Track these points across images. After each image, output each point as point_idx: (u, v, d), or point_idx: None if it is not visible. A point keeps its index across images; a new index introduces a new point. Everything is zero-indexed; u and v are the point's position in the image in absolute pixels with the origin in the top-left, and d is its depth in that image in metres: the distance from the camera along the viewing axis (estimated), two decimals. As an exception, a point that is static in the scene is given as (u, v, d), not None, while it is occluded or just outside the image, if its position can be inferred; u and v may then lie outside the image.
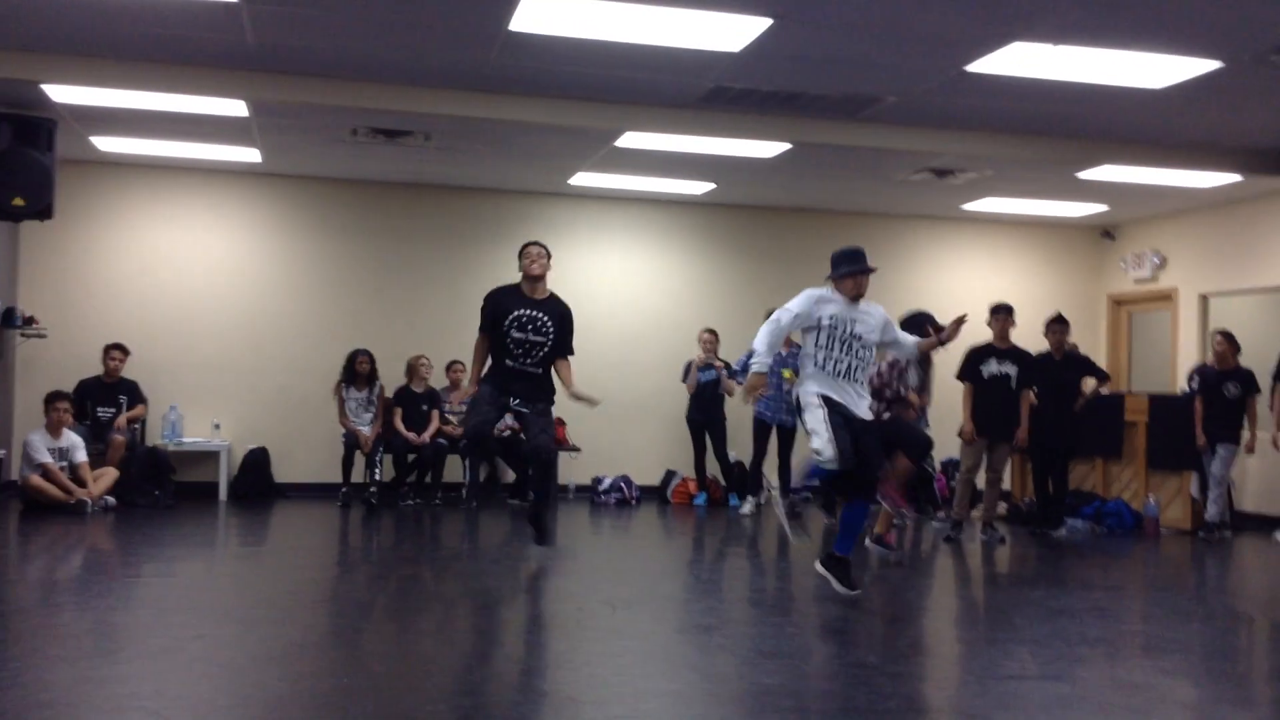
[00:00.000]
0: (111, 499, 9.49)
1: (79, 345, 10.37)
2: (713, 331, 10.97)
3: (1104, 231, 12.97)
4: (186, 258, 11.00)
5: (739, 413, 10.40)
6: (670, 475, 11.55)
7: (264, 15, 6.65)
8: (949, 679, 4.86)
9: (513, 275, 11.58)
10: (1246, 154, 9.30)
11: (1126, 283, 12.70)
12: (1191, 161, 9.42)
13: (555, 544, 7.63)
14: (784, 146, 9.21)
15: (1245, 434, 9.55)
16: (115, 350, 10.19)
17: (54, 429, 9.34)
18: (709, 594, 6.69)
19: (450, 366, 10.78)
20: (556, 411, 11.21)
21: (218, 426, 10.85)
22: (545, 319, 7.16)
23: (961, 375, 8.98)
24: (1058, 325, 9.58)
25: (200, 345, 10.93)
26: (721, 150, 9.44)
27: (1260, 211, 10.68)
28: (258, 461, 10.83)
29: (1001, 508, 10.15)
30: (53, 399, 9.41)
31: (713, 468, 11.24)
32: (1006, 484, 10.20)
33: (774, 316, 6.25)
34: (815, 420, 5.95)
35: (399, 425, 10.42)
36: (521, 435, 10.66)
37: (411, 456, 10.49)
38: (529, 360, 7.12)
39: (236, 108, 8.43)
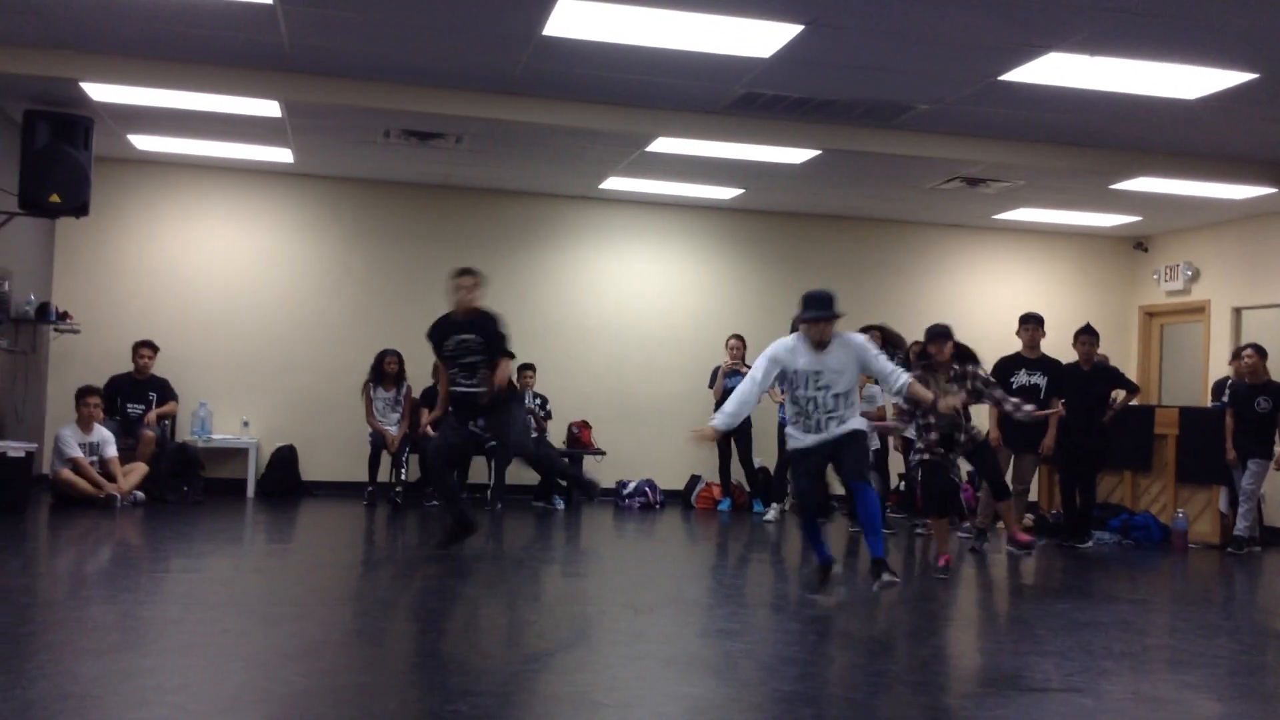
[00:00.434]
0: (140, 494, 9.59)
1: (111, 341, 10.48)
2: (740, 338, 10.96)
3: (1137, 243, 12.88)
4: (219, 256, 11.11)
5: (765, 419, 10.39)
6: (695, 480, 11.56)
7: (299, 17, 6.71)
8: (970, 689, 4.83)
9: (542, 279, 11.75)
10: (1282, 166, 9.22)
11: (1158, 294, 12.60)
12: (1225, 174, 9.34)
13: (594, 486, 8.06)
14: (814, 152, 9.21)
15: (1277, 449, 9.44)
16: (144, 348, 10.29)
17: (84, 424, 9.45)
18: (731, 599, 6.68)
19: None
20: (581, 414, 11.41)
21: (246, 424, 10.94)
22: (473, 338, 7.38)
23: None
24: (1087, 336, 9.51)
25: (231, 343, 11.03)
26: (751, 156, 9.45)
27: (1295, 225, 10.57)
28: (285, 459, 10.91)
29: (1028, 519, 10.09)
30: (83, 394, 9.52)
31: (737, 474, 11.23)
32: (1034, 495, 10.13)
33: (749, 375, 6.31)
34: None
35: (426, 426, 10.45)
36: (539, 437, 10.80)
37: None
38: (471, 381, 7.41)
39: (270, 108, 8.51)
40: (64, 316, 10.17)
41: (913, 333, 11.11)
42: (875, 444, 9.61)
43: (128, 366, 10.31)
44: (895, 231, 12.52)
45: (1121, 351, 12.44)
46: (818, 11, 6.20)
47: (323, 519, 9.65)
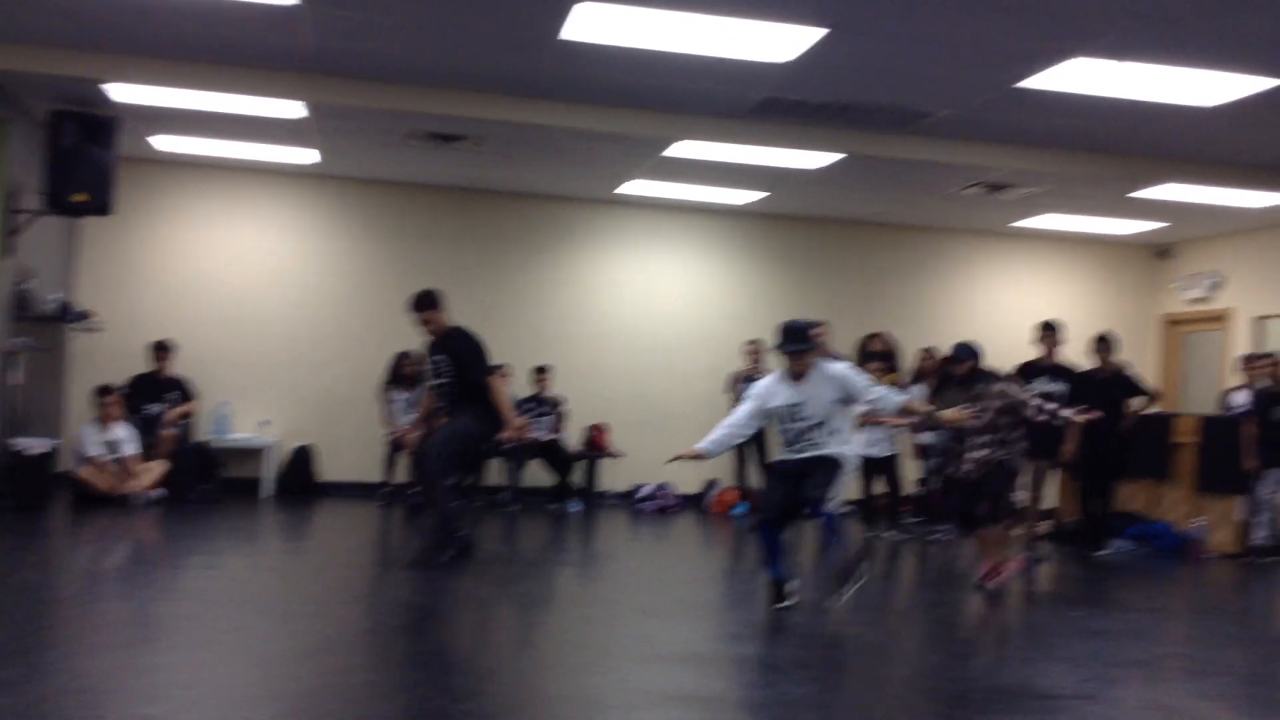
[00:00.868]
0: (159, 492, 9.66)
1: (133, 340, 10.54)
2: (756, 343, 10.95)
3: (1159, 250, 12.79)
4: (240, 256, 11.18)
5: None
6: (711, 485, 11.54)
7: (323, 18, 6.76)
8: (978, 696, 4.81)
9: (561, 281, 11.78)
10: (1305, 174, 9.15)
11: (1180, 303, 12.52)
12: (1249, 181, 9.28)
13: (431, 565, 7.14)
14: (834, 157, 9.19)
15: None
16: (159, 349, 10.33)
17: (103, 422, 9.52)
18: (743, 604, 6.68)
19: (496, 369, 10.83)
20: (598, 416, 11.42)
21: (267, 422, 11.00)
22: (442, 359, 7.36)
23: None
24: (1104, 343, 9.47)
25: (250, 343, 11.09)
26: (771, 160, 9.44)
27: (1320, 233, 10.48)
28: (303, 459, 10.97)
29: (1044, 527, 10.03)
30: (101, 393, 9.60)
31: (755, 479, 11.21)
32: (1051, 502, 10.07)
33: (736, 412, 6.33)
34: None
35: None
36: (552, 440, 10.80)
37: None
38: (445, 404, 7.47)
39: (294, 109, 8.57)
40: (86, 315, 10.25)
41: (930, 339, 11.10)
42: (891, 449, 9.60)
43: (149, 365, 10.39)
44: (915, 237, 12.49)
45: (1142, 359, 12.35)
46: (839, 16, 6.19)
47: (339, 519, 9.70)
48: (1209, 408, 10.78)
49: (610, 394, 11.73)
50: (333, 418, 11.18)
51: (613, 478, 11.51)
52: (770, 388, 6.24)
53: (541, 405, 10.97)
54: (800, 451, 6.22)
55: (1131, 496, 10.30)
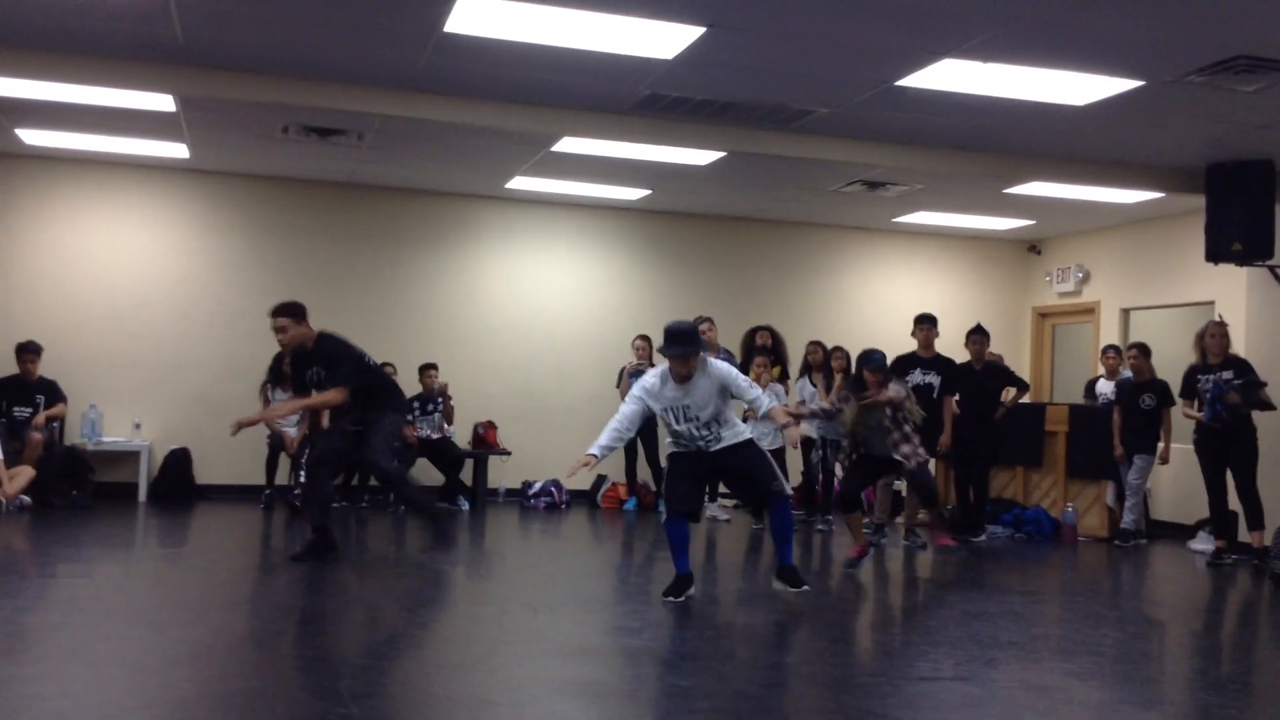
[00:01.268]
0: (27, 498, 9.29)
1: (-2, 341, 10.13)
2: (646, 338, 10.98)
3: (1031, 246, 13.23)
4: (110, 254, 10.81)
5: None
6: (601, 480, 11.56)
7: (193, 9, 6.55)
8: (861, 680, 4.91)
9: (448, 278, 11.66)
10: (1167, 172, 9.53)
11: (1050, 296, 12.96)
12: (1115, 179, 9.64)
13: (450, 543, 7.70)
14: (718, 154, 9.28)
15: (1160, 444, 9.78)
16: (25, 351, 9.95)
17: (-33, 426, 9.12)
18: (634, 598, 6.70)
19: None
20: (487, 414, 11.35)
21: (138, 426, 10.66)
22: (319, 371, 7.31)
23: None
24: (978, 336, 9.77)
25: (122, 344, 10.74)
26: (657, 157, 9.49)
27: (1180, 228, 10.95)
28: (179, 462, 10.66)
29: (923, 514, 10.30)
30: (-39, 397, 9.19)
31: (644, 473, 11.27)
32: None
33: (619, 411, 6.35)
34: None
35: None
36: (440, 438, 10.71)
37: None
38: (338, 415, 7.49)
39: (164, 102, 8.31)
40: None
41: (814, 333, 11.29)
42: (779, 443, 9.73)
43: (14, 369, 9.97)
44: (799, 233, 12.69)
45: (1015, 351, 12.77)
46: (718, 14, 6.24)
47: (217, 523, 9.45)
48: (1078, 397, 11.18)
49: (499, 391, 11.67)
50: (210, 419, 10.84)
51: (502, 475, 11.45)
52: (655, 388, 6.26)
53: (428, 404, 10.86)
54: (706, 447, 6.24)
55: (1006, 484, 10.66)
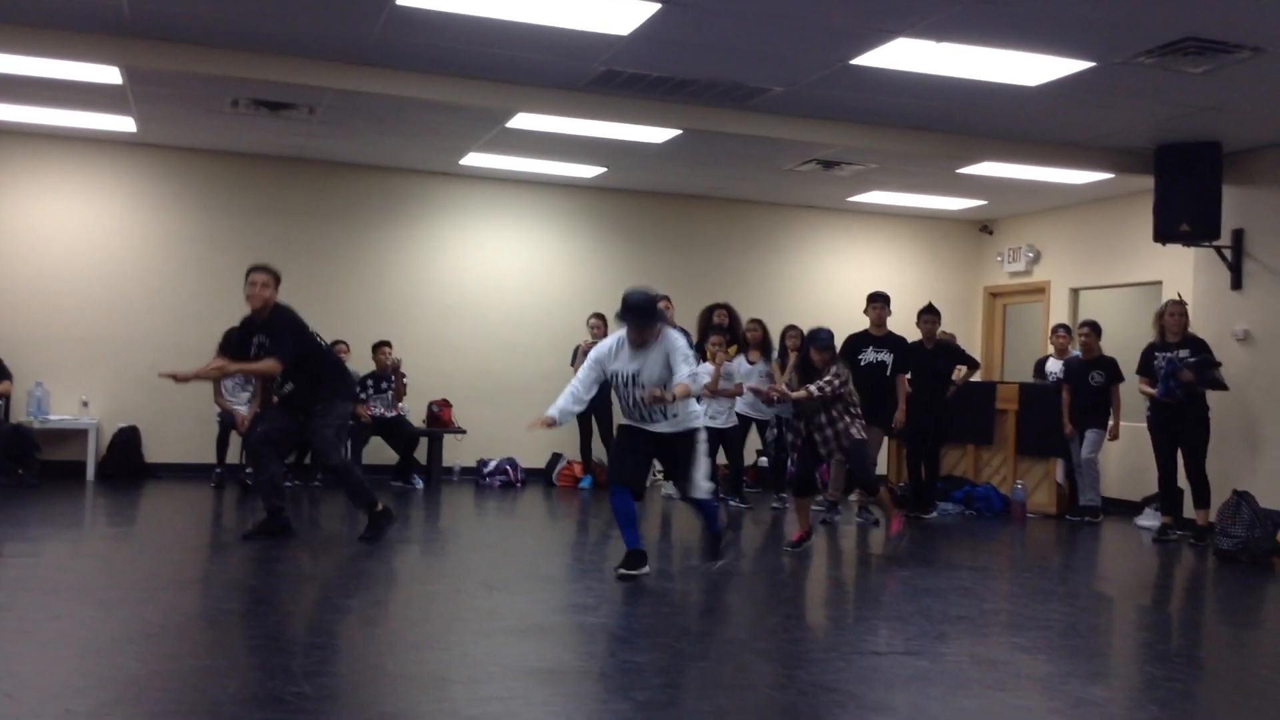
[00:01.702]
0: (-29, 478, 9.13)
1: (-62, 317, 9.93)
2: (601, 316, 10.98)
3: (983, 226, 13.35)
4: (56, 230, 10.61)
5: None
6: (556, 458, 11.55)
7: (137, -22, 6.43)
8: (814, 655, 4.97)
9: (402, 255, 11.57)
10: (1117, 153, 9.65)
11: (1002, 276, 13.10)
12: (1065, 159, 9.73)
13: (382, 529, 7.47)
14: (673, 132, 9.27)
15: (1111, 421, 9.92)
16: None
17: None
18: (588, 575, 6.71)
19: (333, 346, 10.56)
20: (441, 392, 11.28)
21: (86, 404, 10.50)
22: (264, 339, 7.19)
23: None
24: (929, 315, 9.86)
25: (69, 320, 10.56)
26: (613, 134, 9.45)
27: (1129, 209, 11.10)
28: (128, 440, 10.52)
29: (867, 501, 10.40)
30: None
31: (599, 451, 11.28)
32: (882, 468, 10.44)
33: (575, 377, 6.41)
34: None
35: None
36: (394, 416, 10.64)
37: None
38: (275, 384, 7.36)
39: (110, 74, 8.15)
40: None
41: (768, 311, 11.34)
42: (732, 422, 9.77)
43: (-44, 344, 9.79)
44: (754, 212, 12.72)
45: (967, 330, 12.90)
46: (673, -11, 6.23)
47: (167, 502, 9.34)
48: (1028, 376, 11.32)
49: (453, 369, 11.61)
50: (159, 397, 10.69)
51: (457, 453, 11.41)
52: (609, 352, 6.31)
53: (382, 381, 10.78)
54: (647, 420, 6.26)
55: (956, 461, 10.78)
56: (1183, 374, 8.48)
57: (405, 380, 10.92)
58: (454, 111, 8.88)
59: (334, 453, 7.31)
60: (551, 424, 6.28)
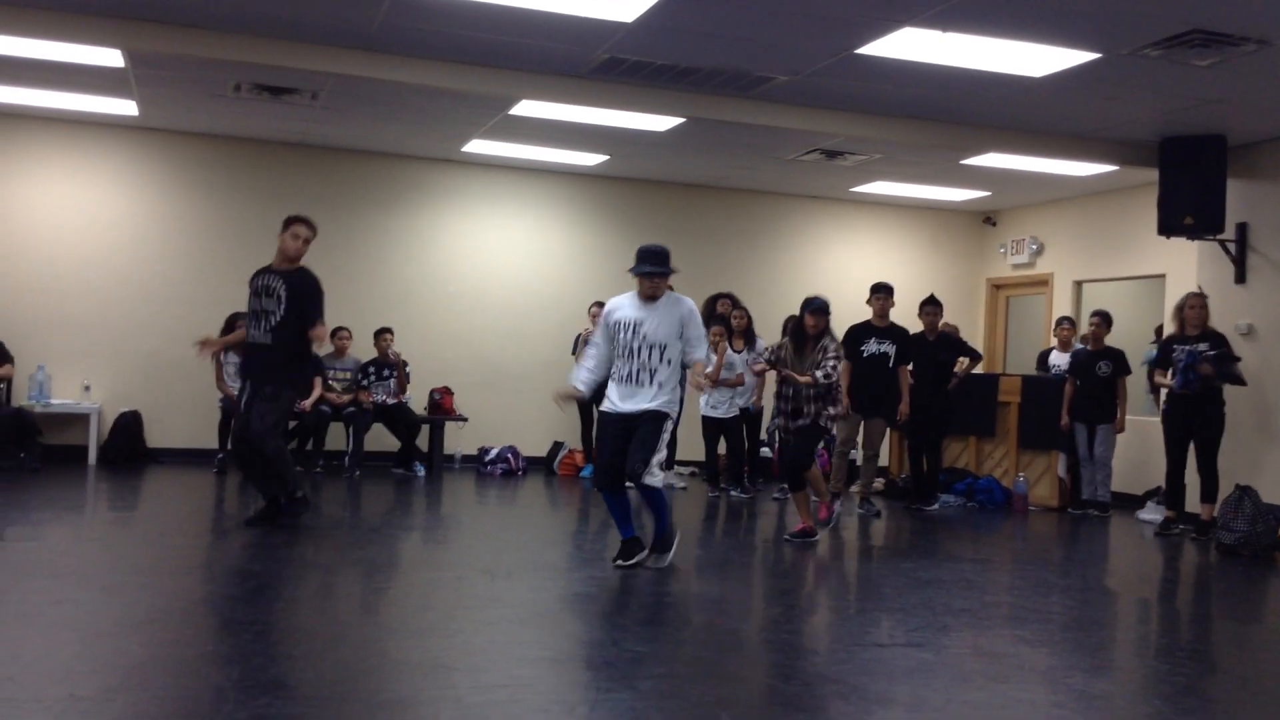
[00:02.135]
0: (-28, 461, 9.13)
1: (-61, 301, 9.91)
2: (602, 305, 10.89)
3: (986, 218, 13.32)
4: (58, 213, 10.58)
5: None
6: (558, 446, 11.55)
7: (141, -39, 6.40)
8: (818, 646, 4.97)
9: (404, 242, 11.55)
10: (1121, 145, 9.62)
11: (1005, 267, 13.08)
12: (1070, 151, 9.70)
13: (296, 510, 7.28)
14: (677, 121, 9.24)
15: (1119, 414, 9.87)
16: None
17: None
18: (590, 563, 6.70)
19: (335, 333, 10.57)
20: (443, 380, 11.27)
21: (88, 388, 10.50)
22: (279, 285, 7.04)
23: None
24: (931, 306, 9.84)
25: (71, 304, 10.54)
26: (616, 122, 9.42)
27: (1133, 202, 11.07)
28: (129, 425, 10.51)
29: (878, 483, 10.41)
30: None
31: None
32: (884, 460, 10.44)
33: (592, 346, 6.45)
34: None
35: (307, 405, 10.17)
36: (396, 403, 10.62)
37: (293, 424, 10.27)
38: (258, 330, 7.09)
39: (112, 57, 8.12)
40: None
41: (771, 301, 11.33)
42: (734, 411, 9.76)
43: (-43, 328, 9.78)
44: (757, 202, 12.69)
45: (969, 322, 12.89)
46: (679, -23, 6.20)
47: (169, 487, 9.34)
48: (1031, 368, 11.31)
49: (455, 356, 11.60)
50: (161, 381, 10.74)
51: (458, 441, 11.41)
52: (618, 302, 6.33)
53: (384, 368, 10.77)
54: (634, 378, 6.17)
55: (958, 454, 10.78)
56: (1202, 367, 8.44)
57: (409, 370, 10.91)
58: (457, 98, 8.85)
59: (270, 439, 7.05)
60: (579, 396, 6.23)
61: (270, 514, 7.23)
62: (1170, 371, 8.71)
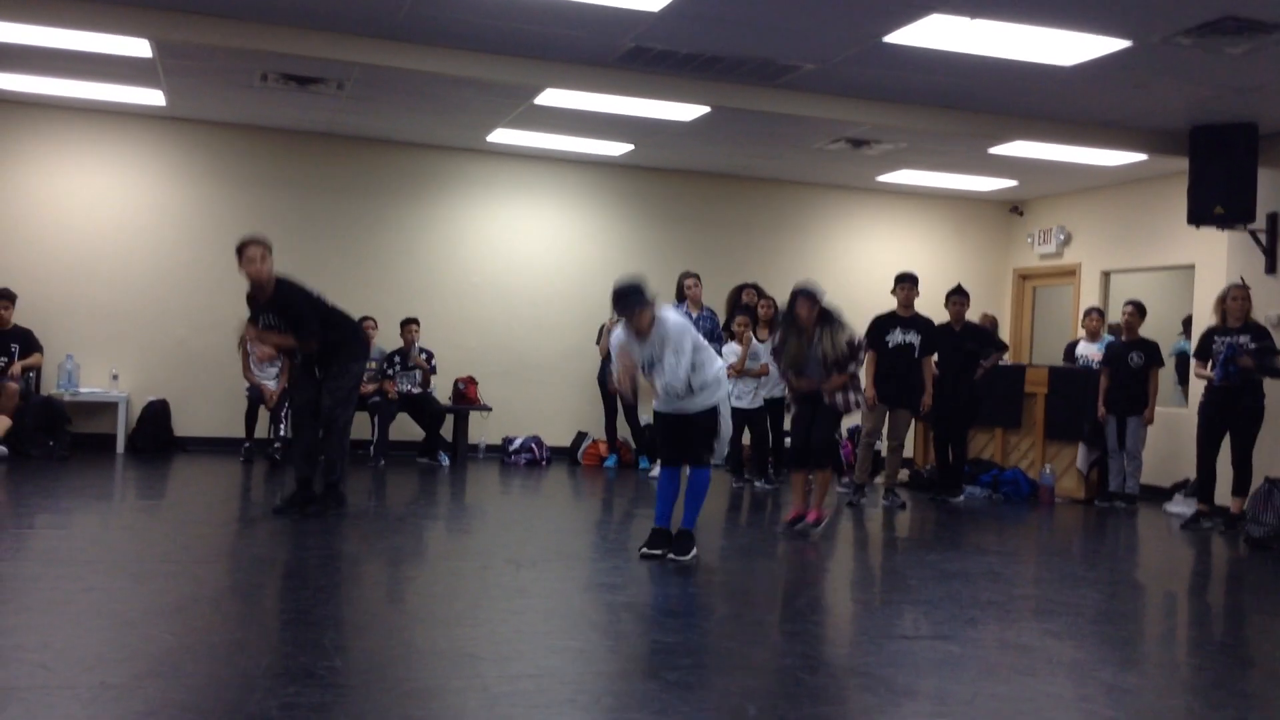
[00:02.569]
0: (3, 448, 9.22)
1: (-30, 290, 9.98)
2: (627, 294, 10.92)
3: (1013, 207, 13.23)
4: (86, 202, 10.66)
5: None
6: (581, 436, 11.57)
7: (169, -49, 6.42)
8: (844, 638, 4.95)
9: (428, 232, 11.57)
10: (1151, 134, 9.53)
11: (1032, 257, 12.98)
12: (1099, 140, 9.62)
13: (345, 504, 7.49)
14: (703, 109, 9.21)
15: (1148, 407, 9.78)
16: (1, 299, 9.81)
17: (-59, 375, 9.01)
18: (615, 554, 6.71)
19: (361, 322, 10.56)
20: (467, 369, 11.30)
21: (116, 377, 10.57)
22: (270, 316, 7.15)
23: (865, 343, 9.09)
24: (958, 296, 9.77)
25: (99, 293, 10.62)
26: (641, 112, 9.40)
27: (1163, 191, 10.96)
28: (157, 414, 10.58)
29: (903, 474, 10.36)
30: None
31: (624, 430, 11.28)
32: (909, 451, 10.40)
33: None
34: None
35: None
36: (421, 393, 10.66)
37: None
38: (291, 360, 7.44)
39: (140, 47, 8.16)
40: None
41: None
42: (758, 403, 9.74)
43: (-12, 316, 9.86)
44: (782, 191, 12.64)
45: (995, 312, 12.79)
46: (706, -34, 6.17)
47: (197, 475, 9.40)
48: (1058, 359, 11.22)
49: (480, 346, 11.63)
50: (189, 370, 10.81)
51: (482, 430, 11.44)
52: (618, 335, 6.35)
53: (409, 358, 10.80)
54: (672, 403, 6.31)
55: (984, 445, 10.72)
56: (1242, 359, 8.34)
57: (434, 363, 10.92)
58: (482, 87, 8.85)
59: (342, 410, 7.35)
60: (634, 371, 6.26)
61: (300, 499, 7.25)
62: (1210, 363, 8.61)
